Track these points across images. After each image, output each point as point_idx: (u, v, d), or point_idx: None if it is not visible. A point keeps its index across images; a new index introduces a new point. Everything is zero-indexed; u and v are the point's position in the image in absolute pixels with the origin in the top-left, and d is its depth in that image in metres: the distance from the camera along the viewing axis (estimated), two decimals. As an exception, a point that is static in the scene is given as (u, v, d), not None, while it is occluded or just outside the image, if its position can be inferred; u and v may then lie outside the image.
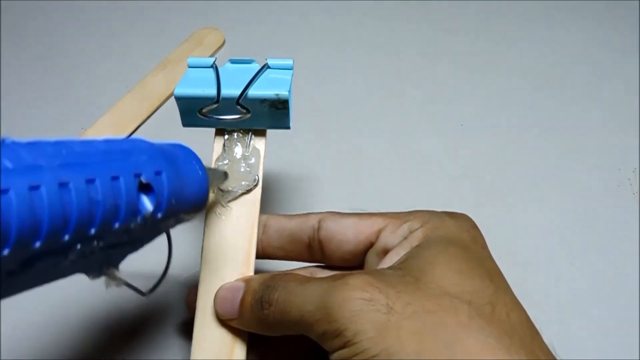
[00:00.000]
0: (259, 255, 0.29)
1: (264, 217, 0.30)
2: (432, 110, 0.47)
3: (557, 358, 0.22)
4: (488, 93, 0.49)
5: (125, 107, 0.45)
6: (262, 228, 0.30)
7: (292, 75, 0.30)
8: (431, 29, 0.54)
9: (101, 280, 0.36)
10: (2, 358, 0.33)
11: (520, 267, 0.37)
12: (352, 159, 0.43)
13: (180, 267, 0.36)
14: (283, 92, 0.28)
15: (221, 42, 0.51)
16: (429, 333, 0.21)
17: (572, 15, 0.56)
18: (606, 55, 0.53)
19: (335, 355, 0.22)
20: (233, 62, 0.31)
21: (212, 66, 0.30)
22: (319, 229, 0.29)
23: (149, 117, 0.45)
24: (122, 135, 0.43)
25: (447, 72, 0.50)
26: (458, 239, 0.26)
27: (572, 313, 0.36)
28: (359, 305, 0.22)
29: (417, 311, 0.22)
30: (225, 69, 0.30)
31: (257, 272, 0.28)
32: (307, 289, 0.24)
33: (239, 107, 0.28)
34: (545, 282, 0.37)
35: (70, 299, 0.35)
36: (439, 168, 0.43)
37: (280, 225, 0.30)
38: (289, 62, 0.30)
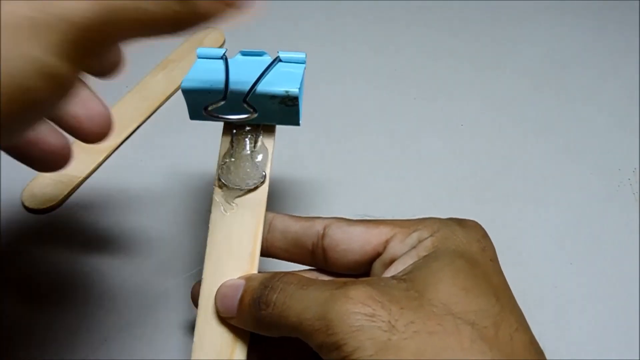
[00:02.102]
0: (264, 253, 0.29)
1: (271, 215, 0.29)
2: (432, 110, 0.47)
3: None
4: (488, 93, 0.49)
5: (125, 107, 0.45)
6: (268, 227, 0.29)
7: (305, 69, 0.29)
8: (431, 29, 0.54)
9: (98, 280, 0.36)
10: (2, 358, 0.33)
11: (520, 267, 0.37)
12: (351, 160, 0.43)
13: (183, 264, 0.36)
14: (293, 90, 0.27)
15: (221, 42, 0.51)
16: (428, 357, 0.21)
17: (571, 16, 0.56)
18: (606, 55, 0.53)
19: None
20: (244, 53, 0.30)
21: (222, 58, 0.29)
22: (323, 236, 0.28)
23: (149, 117, 0.45)
24: (122, 135, 0.43)
25: (447, 72, 0.50)
26: (467, 251, 0.25)
27: (572, 313, 0.36)
28: (360, 320, 0.22)
29: (418, 331, 0.21)
30: (236, 60, 0.29)
31: (261, 271, 0.28)
32: (307, 295, 0.23)
33: (245, 105, 0.27)
34: (545, 282, 0.37)
35: (68, 298, 0.35)
36: (438, 168, 0.43)
37: (285, 226, 0.29)
38: (302, 55, 0.29)
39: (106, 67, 0.25)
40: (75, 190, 0.40)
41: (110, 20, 0.17)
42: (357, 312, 0.22)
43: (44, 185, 0.40)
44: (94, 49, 0.17)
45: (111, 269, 0.36)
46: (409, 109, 0.47)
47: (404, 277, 0.24)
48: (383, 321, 0.21)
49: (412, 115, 0.46)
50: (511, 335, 0.22)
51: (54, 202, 0.39)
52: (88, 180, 0.41)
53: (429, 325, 0.22)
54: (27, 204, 0.39)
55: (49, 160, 0.26)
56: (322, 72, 0.49)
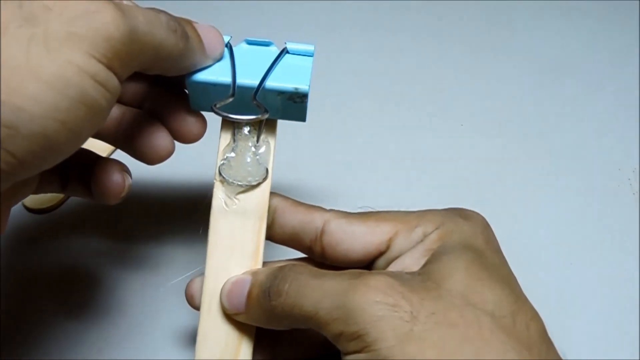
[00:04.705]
0: (267, 238, 0.28)
1: (273, 206, 0.28)
2: (432, 110, 0.47)
3: None
4: (488, 93, 0.49)
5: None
6: (271, 219, 0.28)
7: (313, 63, 0.27)
8: (431, 29, 0.54)
9: (98, 280, 0.36)
10: (2, 358, 0.33)
11: (520, 266, 0.37)
12: (352, 159, 0.43)
13: (182, 264, 0.36)
14: (303, 87, 0.26)
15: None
16: (450, 348, 0.21)
17: (571, 15, 0.56)
18: (606, 55, 0.53)
19: (350, 357, 0.22)
20: (249, 42, 0.28)
21: (226, 46, 0.27)
22: (322, 233, 0.27)
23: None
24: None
25: (447, 72, 0.50)
26: (473, 243, 0.25)
27: (572, 313, 0.36)
28: (383, 310, 0.21)
29: (440, 322, 0.21)
30: (240, 49, 0.28)
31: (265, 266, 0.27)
32: (323, 284, 0.23)
33: (255, 102, 0.26)
34: (545, 282, 0.37)
35: (68, 298, 0.35)
36: (438, 168, 0.43)
37: (284, 221, 0.28)
38: (310, 48, 0.27)
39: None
40: (75, 190, 0.40)
41: (134, 38, 0.20)
42: (380, 302, 0.21)
43: (44, 185, 0.40)
44: (127, 61, 0.21)
45: (111, 269, 0.36)
46: (409, 109, 0.47)
47: (419, 272, 0.24)
48: (405, 311, 0.21)
49: (412, 115, 0.46)
50: (527, 324, 0.22)
51: (54, 202, 0.39)
52: (88, 180, 0.41)
53: (449, 317, 0.21)
54: (27, 204, 0.39)
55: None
56: (322, 72, 0.49)
